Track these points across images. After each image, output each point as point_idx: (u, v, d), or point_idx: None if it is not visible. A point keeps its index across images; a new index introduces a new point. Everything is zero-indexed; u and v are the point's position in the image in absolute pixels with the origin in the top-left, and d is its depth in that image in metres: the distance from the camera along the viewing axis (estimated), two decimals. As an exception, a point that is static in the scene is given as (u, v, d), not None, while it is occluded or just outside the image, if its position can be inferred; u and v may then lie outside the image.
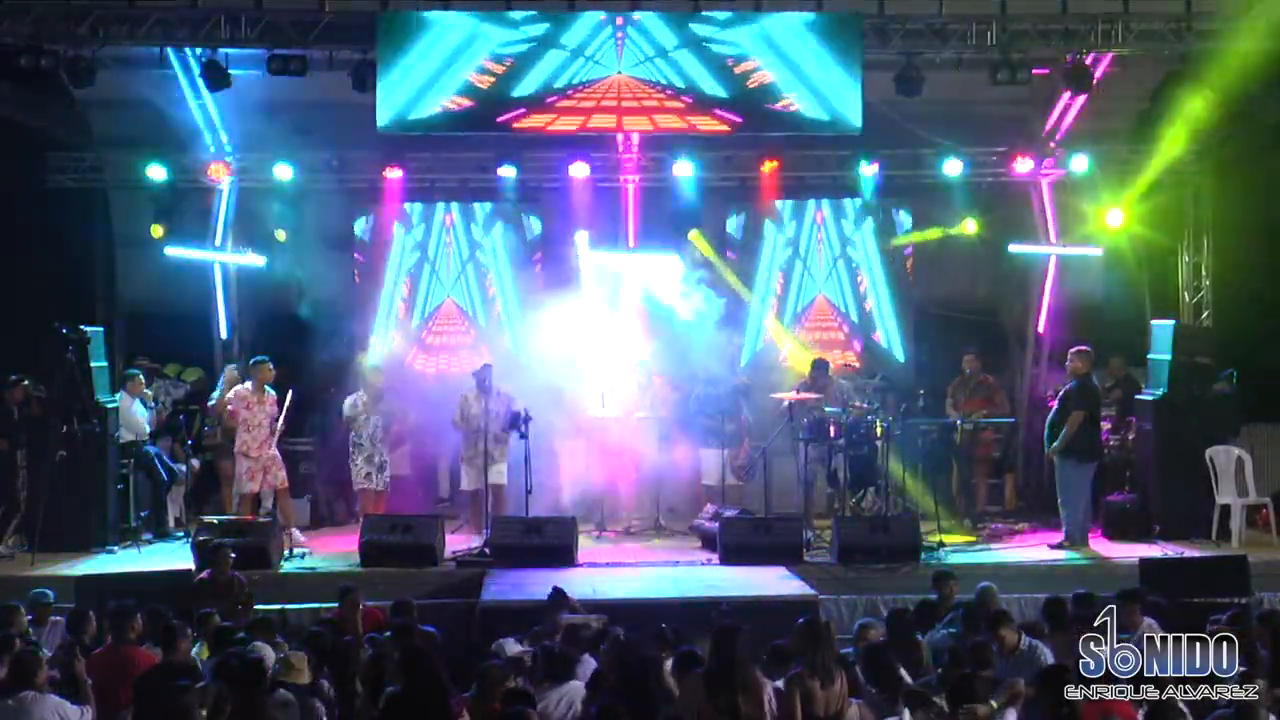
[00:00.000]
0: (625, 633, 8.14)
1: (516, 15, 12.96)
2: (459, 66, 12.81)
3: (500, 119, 12.91)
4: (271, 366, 12.75)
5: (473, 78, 12.83)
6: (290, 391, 12.77)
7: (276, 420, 12.60)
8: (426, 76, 12.76)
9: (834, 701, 7.00)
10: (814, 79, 12.85)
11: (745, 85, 12.90)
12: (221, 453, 13.48)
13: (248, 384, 12.70)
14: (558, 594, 9.30)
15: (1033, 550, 12.28)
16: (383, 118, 12.79)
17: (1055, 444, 12.16)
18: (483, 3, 13.21)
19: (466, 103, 12.88)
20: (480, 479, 12.64)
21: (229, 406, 12.72)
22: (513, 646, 8.44)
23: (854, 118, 12.89)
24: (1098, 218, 14.59)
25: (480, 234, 15.43)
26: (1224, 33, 12.68)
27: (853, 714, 7.06)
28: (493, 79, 12.85)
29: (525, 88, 12.88)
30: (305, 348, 14.23)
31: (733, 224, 15.69)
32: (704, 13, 13.03)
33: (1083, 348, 12.45)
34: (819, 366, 13.54)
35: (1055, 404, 12.43)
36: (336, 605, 9.70)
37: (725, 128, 13.04)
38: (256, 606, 9.84)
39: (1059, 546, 12.14)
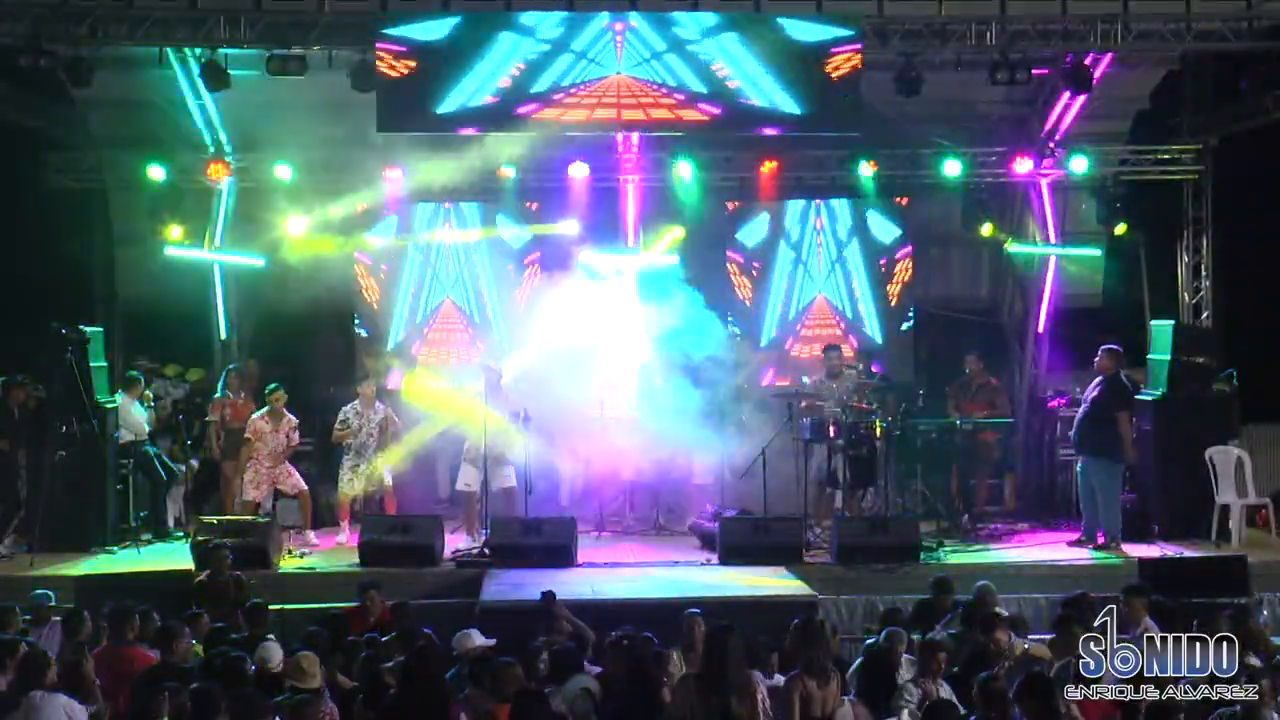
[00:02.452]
0: (624, 634, 8.12)
1: (532, 22, 12.94)
2: (497, 71, 12.88)
3: (518, 111, 12.98)
4: (284, 393, 12.80)
5: (501, 81, 12.91)
6: (298, 423, 12.88)
7: (292, 445, 12.74)
8: (483, 76, 12.84)
9: (829, 701, 7.01)
10: (749, 74, 12.91)
11: (725, 84, 12.93)
12: (224, 454, 13.47)
13: (265, 411, 12.73)
14: (548, 598, 9.29)
15: (1049, 550, 12.24)
16: (447, 105, 12.87)
17: (1126, 451, 11.96)
18: (484, 4, 13.22)
19: (491, 100, 12.96)
20: (479, 478, 12.63)
21: (248, 435, 12.76)
22: (476, 638, 8.42)
23: (790, 107, 12.88)
24: (1097, 218, 14.60)
25: (472, 235, 15.39)
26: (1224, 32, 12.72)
27: (844, 713, 7.06)
28: (510, 80, 12.93)
29: (538, 87, 12.96)
30: (305, 348, 14.21)
31: (746, 233, 15.61)
32: (689, 13, 13.00)
33: (1112, 346, 12.31)
34: (833, 350, 13.56)
35: (1087, 404, 12.26)
36: (356, 603, 9.76)
37: (705, 118, 13.03)
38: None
39: (1084, 545, 12.10)
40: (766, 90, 12.90)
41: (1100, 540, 12.06)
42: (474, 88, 12.86)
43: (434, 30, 12.81)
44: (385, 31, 12.68)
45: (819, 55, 12.78)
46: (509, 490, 12.77)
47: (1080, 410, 12.44)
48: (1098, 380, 12.27)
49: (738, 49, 12.91)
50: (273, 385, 12.91)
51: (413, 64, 12.73)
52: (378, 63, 12.65)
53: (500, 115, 12.98)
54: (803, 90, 12.84)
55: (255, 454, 12.66)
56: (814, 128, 13.26)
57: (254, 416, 12.87)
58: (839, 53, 12.80)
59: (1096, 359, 12.33)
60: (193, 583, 10.24)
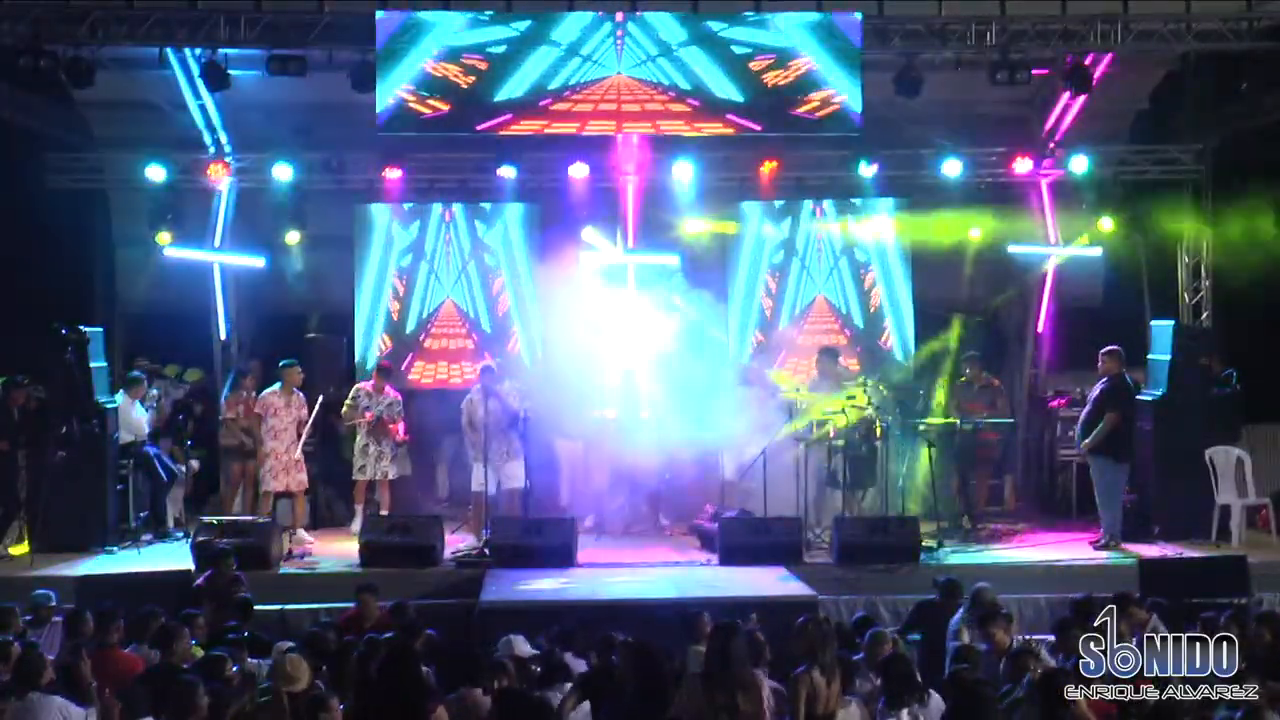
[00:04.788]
0: (629, 635, 8.08)
1: (485, 14, 12.89)
2: (437, 63, 12.79)
3: (480, 126, 12.88)
4: (300, 370, 12.82)
5: (453, 76, 12.79)
6: (320, 397, 12.84)
7: (305, 423, 12.70)
8: (412, 76, 12.78)
9: (833, 700, 6.99)
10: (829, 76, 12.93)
11: (764, 85, 12.88)
12: (232, 454, 13.47)
13: (276, 387, 12.76)
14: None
15: (1049, 550, 12.23)
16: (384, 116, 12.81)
17: (1086, 441, 12.12)
18: (483, 2, 13.23)
19: (443, 106, 12.84)
20: (494, 478, 12.61)
21: (256, 410, 12.83)
22: (521, 645, 8.42)
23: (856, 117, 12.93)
24: (1097, 219, 14.63)
25: (484, 231, 15.37)
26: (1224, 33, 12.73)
27: (849, 713, 7.05)
28: (474, 78, 12.82)
29: (513, 89, 12.84)
30: (304, 348, 14.21)
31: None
32: (670, 16, 13.00)
33: (1113, 348, 12.39)
34: (828, 354, 13.52)
35: (1090, 404, 12.34)
36: (352, 604, 9.75)
37: (689, 110, 12.92)
38: (255, 607, 9.80)
39: (1101, 546, 12.12)
40: (723, 85, 12.87)
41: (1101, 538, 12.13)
42: (516, 84, 12.77)
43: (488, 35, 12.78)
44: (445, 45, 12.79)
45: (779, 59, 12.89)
46: (516, 491, 12.75)
47: (1084, 410, 12.45)
48: (1101, 381, 12.30)
49: (700, 55, 12.83)
50: (289, 360, 12.91)
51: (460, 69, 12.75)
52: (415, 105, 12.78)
53: (526, 110, 12.88)
54: (746, 87, 12.84)
55: (273, 435, 12.62)
56: (772, 125, 13.15)
57: (266, 392, 12.85)
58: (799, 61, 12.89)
59: (1099, 362, 12.35)
60: (192, 586, 10.18)
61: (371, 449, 12.99)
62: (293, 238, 14.68)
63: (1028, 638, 8.68)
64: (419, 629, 8.70)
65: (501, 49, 12.81)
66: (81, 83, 12.86)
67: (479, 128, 12.88)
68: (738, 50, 12.90)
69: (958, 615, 8.90)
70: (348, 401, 13.03)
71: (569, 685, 7.54)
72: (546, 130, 12.99)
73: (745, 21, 12.91)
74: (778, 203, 15.38)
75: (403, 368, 15.00)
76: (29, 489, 12.22)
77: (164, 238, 14.31)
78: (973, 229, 14.85)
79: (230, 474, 13.52)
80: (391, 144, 13.77)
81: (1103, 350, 12.43)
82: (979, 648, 8.13)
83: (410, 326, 15.26)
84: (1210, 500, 12.53)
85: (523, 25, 12.81)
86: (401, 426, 13.26)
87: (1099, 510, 12.30)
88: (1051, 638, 8.69)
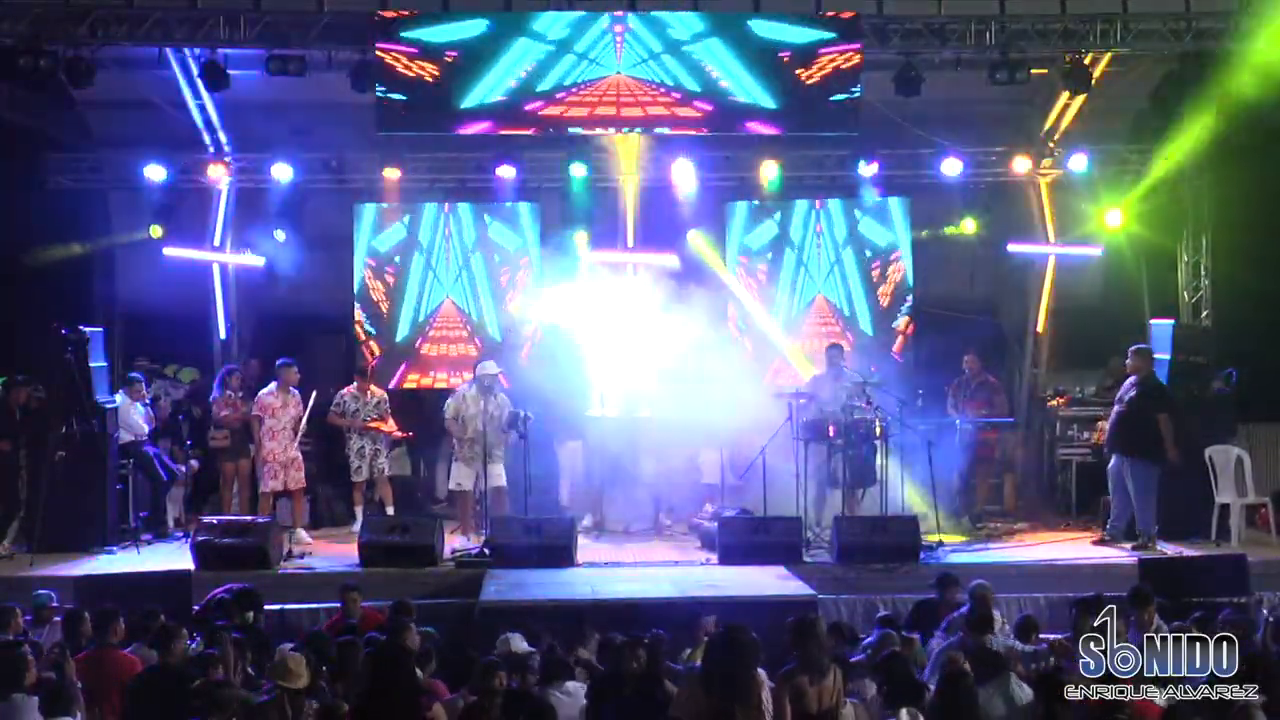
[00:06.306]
0: (623, 635, 8.10)
1: (542, 27, 13.08)
2: (509, 73, 13.08)
3: (527, 107, 13.11)
4: (296, 370, 12.85)
5: (509, 82, 13.09)
6: (314, 393, 12.86)
7: (301, 421, 12.73)
8: (500, 77, 13.05)
9: (826, 697, 6.97)
10: (733, 73, 13.14)
11: (717, 84, 13.11)
12: (225, 454, 13.48)
13: (272, 386, 12.77)
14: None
15: (1049, 549, 12.25)
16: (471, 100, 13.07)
17: (1158, 451, 11.94)
18: (484, 4, 13.25)
19: (501, 99, 13.15)
20: (475, 479, 12.64)
21: (256, 412, 12.84)
22: (519, 643, 8.42)
23: (768, 102, 13.12)
24: (1097, 218, 14.65)
25: (472, 235, 15.41)
26: (1224, 32, 12.72)
27: (847, 713, 7.05)
28: (516, 82, 13.06)
29: (544, 86, 13.10)
30: (304, 349, 14.23)
31: (754, 238, 15.58)
32: (680, 17, 13.11)
33: (1142, 346, 12.38)
34: (835, 350, 13.52)
35: (1122, 405, 12.22)
36: (339, 605, 9.73)
37: (698, 114, 13.19)
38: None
39: (1108, 543, 12.15)
40: (748, 88, 13.14)
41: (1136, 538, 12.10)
42: (491, 85, 13.05)
43: (457, 32, 12.98)
44: (402, 35, 12.81)
45: (802, 55, 13.01)
46: (499, 490, 12.77)
47: (1115, 410, 12.37)
48: (1131, 381, 12.25)
49: (721, 51, 13.10)
50: (285, 360, 12.94)
51: (433, 65, 12.87)
52: (393, 63, 12.72)
53: (508, 115, 13.12)
54: (777, 87, 13.08)
55: (271, 435, 12.66)
56: (797, 126, 13.33)
57: (262, 393, 12.89)
58: (826, 53, 12.95)
59: (1129, 359, 12.32)
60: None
61: (368, 448, 13.07)
62: (291, 237, 14.67)
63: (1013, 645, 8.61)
64: (406, 627, 8.62)
65: (542, 54, 13.08)
66: (81, 83, 12.86)
67: (525, 109, 13.18)
68: (694, 56, 13.16)
69: (954, 615, 8.92)
70: (332, 408, 13.06)
71: (570, 683, 7.55)
72: (566, 114, 13.17)
73: (698, 38, 13.17)
74: (797, 208, 15.40)
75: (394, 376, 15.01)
76: (29, 489, 12.22)
77: (156, 230, 14.33)
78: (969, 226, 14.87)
79: (224, 474, 13.52)
80: (391, 144, 13.79)
81: (1132, 348, 12.35)
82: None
83: (403, 333, 15.24)
84: (1210, 500, 12.52)
85: (561, 35, 13.07)
86: (392, 422, 13.26)
87: (1118, 507, 12.22)
88: (1052, 636, 8.70)
